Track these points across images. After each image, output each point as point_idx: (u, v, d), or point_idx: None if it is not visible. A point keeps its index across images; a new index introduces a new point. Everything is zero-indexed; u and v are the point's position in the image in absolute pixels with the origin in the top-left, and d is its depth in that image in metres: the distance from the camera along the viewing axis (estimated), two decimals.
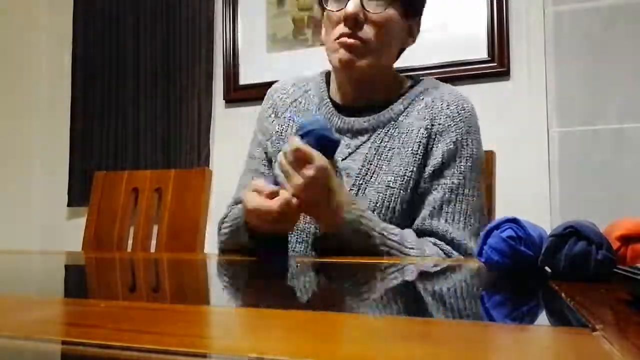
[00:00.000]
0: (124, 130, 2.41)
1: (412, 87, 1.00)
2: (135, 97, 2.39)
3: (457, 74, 1.94)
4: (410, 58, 1.97)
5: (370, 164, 0.93)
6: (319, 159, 0.78)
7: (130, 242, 1.46)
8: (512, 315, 0.40)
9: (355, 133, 0.96)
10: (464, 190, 0.91)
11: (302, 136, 0.80)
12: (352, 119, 0.97)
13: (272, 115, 1.05)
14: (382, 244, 0.83)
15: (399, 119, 0.95)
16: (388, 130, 0.95)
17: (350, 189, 0.93)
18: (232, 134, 2.21)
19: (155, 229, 1.46)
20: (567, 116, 1.84)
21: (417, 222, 0.91)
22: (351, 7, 0.88)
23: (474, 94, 1.94)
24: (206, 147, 2.25)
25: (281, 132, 1.02)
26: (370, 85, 0.97)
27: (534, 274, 0.55)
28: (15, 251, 1.17)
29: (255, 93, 2.06)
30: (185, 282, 0.67)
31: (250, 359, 0.24)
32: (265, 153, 1.05)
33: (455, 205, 0.90)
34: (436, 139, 0.92)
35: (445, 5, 1.98)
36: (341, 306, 0.45)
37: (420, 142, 0.92)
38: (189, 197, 1.41)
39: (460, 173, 0.91)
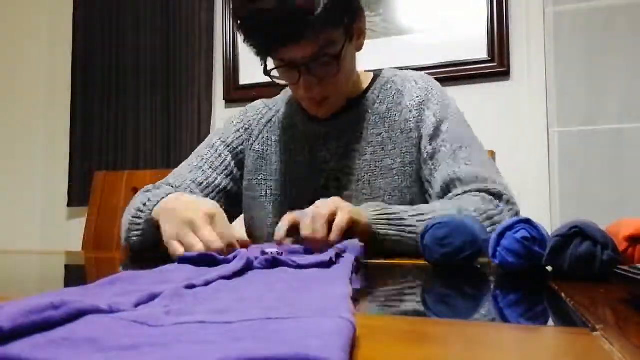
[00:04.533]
0: (124, 130, 2.41)
1: (375, 78, 1.03)
2: (135, 97, 2.39)
3: (457, 74, 1.94)
4: (410, 58, 1.99)
5: (366, 154, 0.95)
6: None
7: None
8: (511, 315, 0.40)
9: (340, 133, 0.97)
10: (466, 138, 0.94)
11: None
12: (331, 121, 0.98)
13: (241, 130, 1.06)
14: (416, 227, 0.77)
15: (375, 106, 0.98)
16: (369, 119, 0.97)
17: (357, 185, 0.94)
18: None
19: None
20: (567, 116, 1.84)
21: (439, 180, 0.89)
22: (304, 86, 0.87)
23: (474, 94, 1.95)
24: None
25: (262, 152, 1.03)
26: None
27: (537, 274, 0.55)
28: (15, 251, 1.17)
29: (255, 93, 2.06)
30: None
31: None
32: (223, 159, 1.03)
33: (465, 149, 0.91)
34: (421, 108, 0.96)
35: (445, 5, 1.98)
36: None
37: (406, 119, 0.95)
38: None
39: (456, 126, 0.94)
